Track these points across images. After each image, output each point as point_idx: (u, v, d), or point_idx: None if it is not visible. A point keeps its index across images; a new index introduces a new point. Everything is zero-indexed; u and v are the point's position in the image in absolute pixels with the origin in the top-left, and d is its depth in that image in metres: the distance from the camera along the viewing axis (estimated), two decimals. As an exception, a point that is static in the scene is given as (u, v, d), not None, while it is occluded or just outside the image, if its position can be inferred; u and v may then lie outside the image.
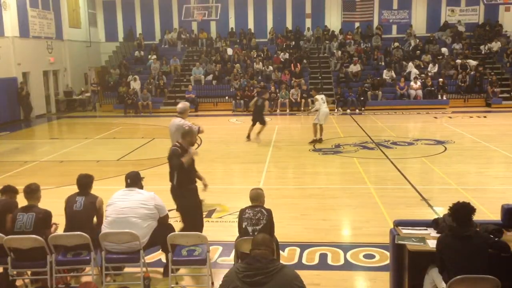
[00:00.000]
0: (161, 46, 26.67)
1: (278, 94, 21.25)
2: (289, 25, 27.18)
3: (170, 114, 20.74)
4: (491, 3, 24.35)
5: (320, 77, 23.22)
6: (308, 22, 27.07)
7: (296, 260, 6.02)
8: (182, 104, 8.34)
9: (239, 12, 27.32)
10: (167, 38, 27.01)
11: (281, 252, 5.91)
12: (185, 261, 5.16)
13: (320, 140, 13.57)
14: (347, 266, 5.89)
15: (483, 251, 4.22)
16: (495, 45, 23.95)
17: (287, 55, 24.62)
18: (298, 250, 6.30)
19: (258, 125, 13.89)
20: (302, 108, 20.87)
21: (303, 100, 21.02)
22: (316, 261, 6.02)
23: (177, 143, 6.15)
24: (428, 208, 7.91)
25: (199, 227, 6.00)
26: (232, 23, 27.38)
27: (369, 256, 6.09)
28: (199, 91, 22.64)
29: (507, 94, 21.33)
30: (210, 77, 23.56)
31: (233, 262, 5.30)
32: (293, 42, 25.95)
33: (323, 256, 6.13)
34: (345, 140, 13.97)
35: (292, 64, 23.59)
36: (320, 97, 13.39)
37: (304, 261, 6.03)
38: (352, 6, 25.68)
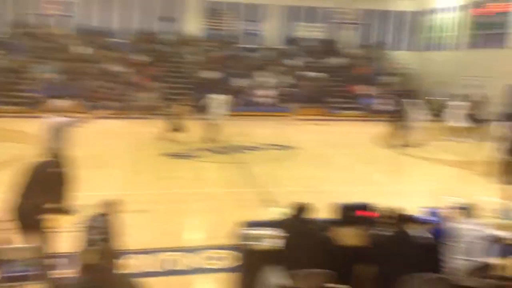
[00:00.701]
0: (4, 40, 23.93)
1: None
2: (147, 27, 26.55)
3: (9, 115, 18.75)
4: (335, 21, 27.61)
5: (176, 82, 23.13)
6: (167, 26, 26.81)
7: (143, 268, 5.88)
8: (61, 102, 8.14)
9: (96, 10, 25.91)
10: (11, 31, 24.32)
11: (126, 260, 5.72)
12: (18, 277, 4.68)
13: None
14: (195, 270, 5.97)
15: (319, 246, 4.63)
16: (337, 60, 26.66)
17: (144, 58, 24.05)
18: (145, 257, 6.17)
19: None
20: (158, 112, 20.54)
21: (159, 104, 20.70)
22: (164, 267, 5.99)
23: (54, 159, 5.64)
24: (275, 209, 8.35)
25: (47, 241, 5.50)
26: (87, 21, 25.75)
27: (217, 259, 6.23)
28: (46, 90, 20.81)
29: (347, 105, 23.82)
30: (59, 76, 21.88)
31: (76, 275, 4.98)
32: (151, 45, 25.46)
33: (171, 262, 6.11)
34: (199, 144, 14.16)
35: (149, 67, 23.10)
36: (211, 99, 15.62)
37: (151, 268, 5.94)
38: (211, 14, 26.64)
